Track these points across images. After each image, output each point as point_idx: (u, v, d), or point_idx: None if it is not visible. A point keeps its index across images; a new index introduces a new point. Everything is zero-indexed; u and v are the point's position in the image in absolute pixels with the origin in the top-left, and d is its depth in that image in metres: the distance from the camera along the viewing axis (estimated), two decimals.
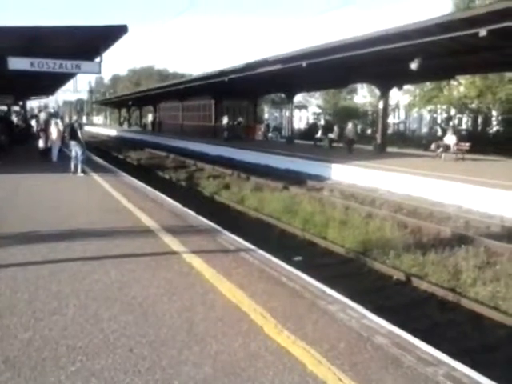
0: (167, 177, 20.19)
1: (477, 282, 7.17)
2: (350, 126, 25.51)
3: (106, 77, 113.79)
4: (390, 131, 37.68)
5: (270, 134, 38.46)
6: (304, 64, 19.07)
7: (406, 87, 33.65)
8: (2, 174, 14.08)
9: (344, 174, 17.44)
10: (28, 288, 4.90)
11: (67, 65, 16.49)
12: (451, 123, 32.53)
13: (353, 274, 7.87)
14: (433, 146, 22.08)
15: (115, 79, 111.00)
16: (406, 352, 3.71)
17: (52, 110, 44.54)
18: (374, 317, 4.42)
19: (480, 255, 8.29)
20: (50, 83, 28.95)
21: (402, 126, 52.85)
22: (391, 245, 8.90)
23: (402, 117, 53.52)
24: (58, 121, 17.81)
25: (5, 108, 36.72)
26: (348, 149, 23.76)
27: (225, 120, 34.58)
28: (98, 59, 17.26)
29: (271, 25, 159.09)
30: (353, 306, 4.64)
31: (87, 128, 63.25)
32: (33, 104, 62.90)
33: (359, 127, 48.26)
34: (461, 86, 35.35)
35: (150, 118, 63.81)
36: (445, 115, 42.87)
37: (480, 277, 7.33)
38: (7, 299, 4.61)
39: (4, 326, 4.01)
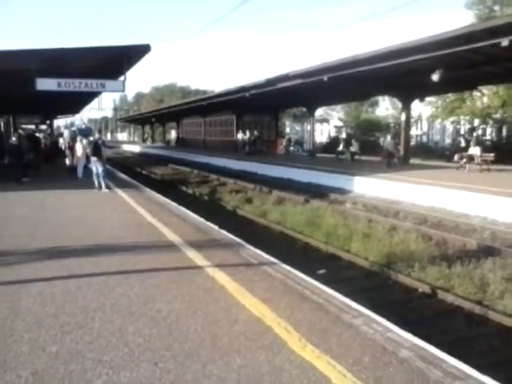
0: (190, 192, 20.34)
1: (505, 294, 7.02)
2: (388, 138, 24.75)
3: (130, 94, 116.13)
4: (412, 143, 37.37)
5: (291, 148, 38.46)
6: (325, 78, 19.12)
7: (428, 99, 33.34)
8: (30, 190, 14.44)
9: (367, 186, 17.34)
10: (55, 302, 5.00)
11: (92, 84, 16.82)
12: (475, 134, 32.02)
13: (377, 288, 7.79)
14: (456, 157, 21.82)
15: (139, 97, 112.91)
16: (431, 366, 3.66)
17: (83, 126, 45.47)
18: (398, 330, 4.38)
19: (507, 267, 8.12)
20: (75, 102, 29.56)
21: (424, 138, 52.36)
22: (416, 257, 8.79)
23: (425, 128, 53.05)
24: (83, 139, 18.27)
25: (33, 127, 37.64)
26: (387, 163, 22.57)
27: (240, 135, 34.88)
28: (122, 78, 17.57)
29: (291, 40, 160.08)
30: (377, 320, 4.61)
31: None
32: (60, 122, 64.48)
33: (381, 140, 48.05)
34: (484, 96, 34.93)
35: (173, 134, 64.67)
36: (468, 126, 42.35)
37: (508, 289, 7.17)
38: (35, 313, 4.71)
39: (32, 340, 4.10)
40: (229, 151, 36.08)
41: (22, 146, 17.25)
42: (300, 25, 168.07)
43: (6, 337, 4.16)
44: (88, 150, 15.75)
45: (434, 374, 3.53)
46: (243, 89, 26.93)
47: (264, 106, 35.43)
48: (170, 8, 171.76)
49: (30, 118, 35.06)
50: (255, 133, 35.46)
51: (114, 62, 16.29)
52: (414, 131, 46.68)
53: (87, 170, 16.78)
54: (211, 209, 15.16)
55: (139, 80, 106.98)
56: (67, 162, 19.01)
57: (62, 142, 24.33)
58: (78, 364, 3.67)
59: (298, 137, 58.84)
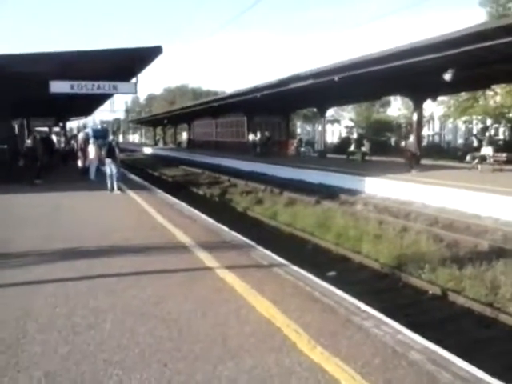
0: (201, 193, 20.43)
1: None
2: (411, 139, 23.00)
3: (142, 96, 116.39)
4: (424, 143, 37.13)
5: (302, 149, 38.38)
6: (336, 78, 19.09)
7: (440, 98, 33.10)
8: (43, 192, 14.58)
9: (377, 187, 17.26)
10: (67, 303, 5.05)
11: (105, 86, 16.99)
12: (487, 134, 31.76)
13: (387, 290, 7.77)
14: (468, 158, 21.65)
15: (150, 98, 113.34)
16: (441, 368, 3.64)
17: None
18: (408, 332, 4.36)
19: None
20: (88, 104, 29.83)
21: (436, 138, 51.96)
22: (426, 259, 8.74)
23: (437, 128, 52.61)
24: (96, 140, 18.46)
25: (46, 129, 38.04)
26: (410, 164, 21.19)
27: (251, 136, 34.92)
28: (133, 80, 17.73)
29: (303, 41, 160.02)
30: (387, 322, 4.60)
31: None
32: (72, 124, 64.93)
33: (393, 140, 47.70)
34: (497, 95, 34.58)
35: (184, 135, 64.92)
36: (481, 126, 41.96)
37: None
38: (47, 314, 4.76)
39: (44, 341, 4.15)
40: (240, 152, 36.11)
41: (37, 148, 17.44)
42: (312, 25, 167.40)
43: (18, 337, 4.22)
44: (103, 152, 15.80)
45: (444, 376, 3.52)
46: (254, 90, 26.98)
47: (275, 107, 35.40)
48: (181, 9, 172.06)
49: (43, 121, 35.45)
50: (266, 134, 35.43)
51: (126, 64, 16.43)
52: (425, 131, 46.33)
53: (99, 172, 16.91)
54: (222, 210, 15.20)
55: (151, 81, 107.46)
56: (79, 163, 19.17)
57: (74, 144, 24.61)
58: (90, 365, 3.72)
59: (309, 137, 58.74)
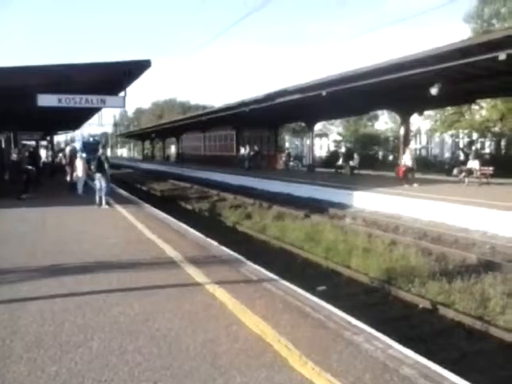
0: (190, 207, 20.34)
1: (506, 309, 6.99)
2: (407, 153, 21.48)
3: (130, 110, 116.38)
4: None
5: (291, 163, 38.50)
6: (324, 93, 19.22)
7: (427, 112, 33.53)
8: (30, 207, 14.41)
9: (366, 201, 17.33)
10: (54, 321, 4.97)
11: (93, 100, 16.90)
12: (474, 147, 32.11)
13: (377, 304, 7.76)
14: (455, 171, 21.83)
15: (139, 112, 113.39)
16: (433, 383, 3.62)
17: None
18: (399, 347, 4.35)
19: (508, 282, 8.10)
20: (76, 118, 29.68)
21: (423, 152, 52.47)
22: (416, 272, 8.77)
23: (424, 142, 53.17)
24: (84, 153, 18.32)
25: (33, 143, 37.81)
26: (406, 178, 20.31)
27: (243, 150, 34.96)
28: (122, 93, 17.69)
29: (293, 54, 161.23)
30: (378, 337, 4.58)
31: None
32: (60, 138, 64.53)
33: (380, 154, 48.08)
34: (482, 109, 35.09)
35: (172, 149, 64.84)
36: (467, 139, 42.49)
37: (509, 304, 7.14)
38: (34, 332, 4.68)
39: (31, 360, 4.07)
40: (228, 166, 36.10)
41: (23, 162, 17.29)
42: (302, 38, 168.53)
43: (4, 357, 4.14)
44: (92, 167, 15.53)
45: None
46: (243, 104, 27.07)
47: (263, 121, 35.57)
48: (170, 24, 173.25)
49: (30, 135, 35.26)
50: (255, 148, 35.53)
51: (115, 77, 16.40)
52: (412, 145, 46.76)
53: (87, 187, 16.75)
54: (211, 224, 15.14)
55: (139, 95, 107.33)
56: (68, 178, 19.01)
57: (61, 158, 24.49)
58: None
59: (298, 151, 59.00)
